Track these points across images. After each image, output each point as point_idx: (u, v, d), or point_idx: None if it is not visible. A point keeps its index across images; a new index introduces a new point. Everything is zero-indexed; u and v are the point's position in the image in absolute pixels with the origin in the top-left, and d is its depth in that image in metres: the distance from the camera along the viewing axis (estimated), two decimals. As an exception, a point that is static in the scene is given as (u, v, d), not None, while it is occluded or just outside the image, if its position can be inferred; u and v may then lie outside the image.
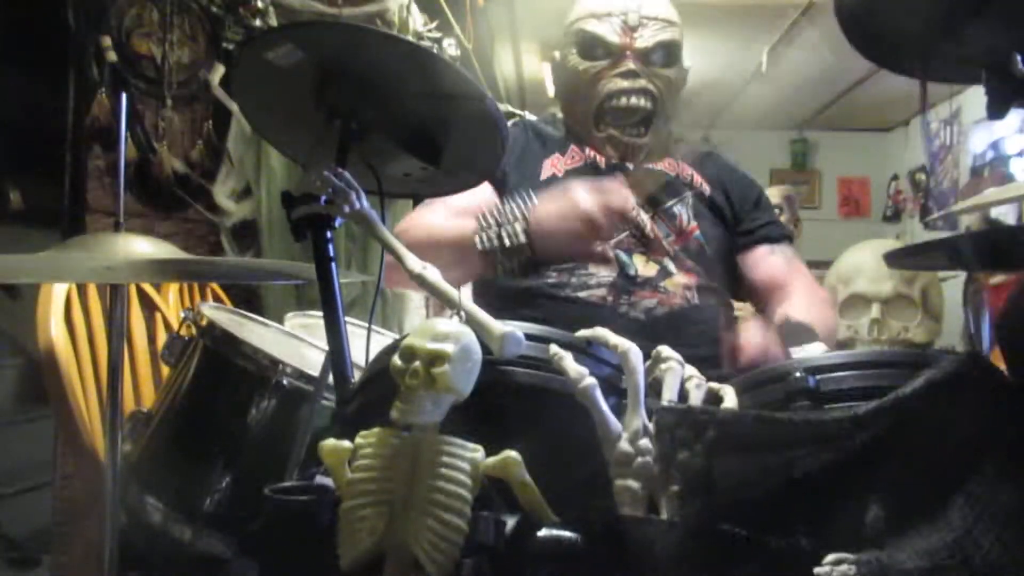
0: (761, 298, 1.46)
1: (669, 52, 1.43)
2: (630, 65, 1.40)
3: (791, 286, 1.42)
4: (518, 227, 1.21)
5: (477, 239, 1.22)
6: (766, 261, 1.46)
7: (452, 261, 1.17)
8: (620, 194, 1.20)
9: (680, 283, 1.34)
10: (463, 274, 1.28)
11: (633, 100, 1.41)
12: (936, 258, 1.31)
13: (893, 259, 1.41)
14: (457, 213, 1.33)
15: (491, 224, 1.23)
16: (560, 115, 1.58)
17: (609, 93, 1.41)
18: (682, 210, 1.41)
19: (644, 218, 1.37)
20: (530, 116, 2.99)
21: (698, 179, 1.47)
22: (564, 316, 1.21)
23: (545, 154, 1.46)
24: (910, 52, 0.83)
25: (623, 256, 1.34)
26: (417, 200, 2.17)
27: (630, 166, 1.43)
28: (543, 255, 1.24)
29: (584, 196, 1.19)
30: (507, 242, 1.21)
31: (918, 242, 1.43)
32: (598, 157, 1.44)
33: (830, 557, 0.60)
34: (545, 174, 1.43)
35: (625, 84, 1.40)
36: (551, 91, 5.05)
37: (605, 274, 1.32)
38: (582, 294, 1.31)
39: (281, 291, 2.09)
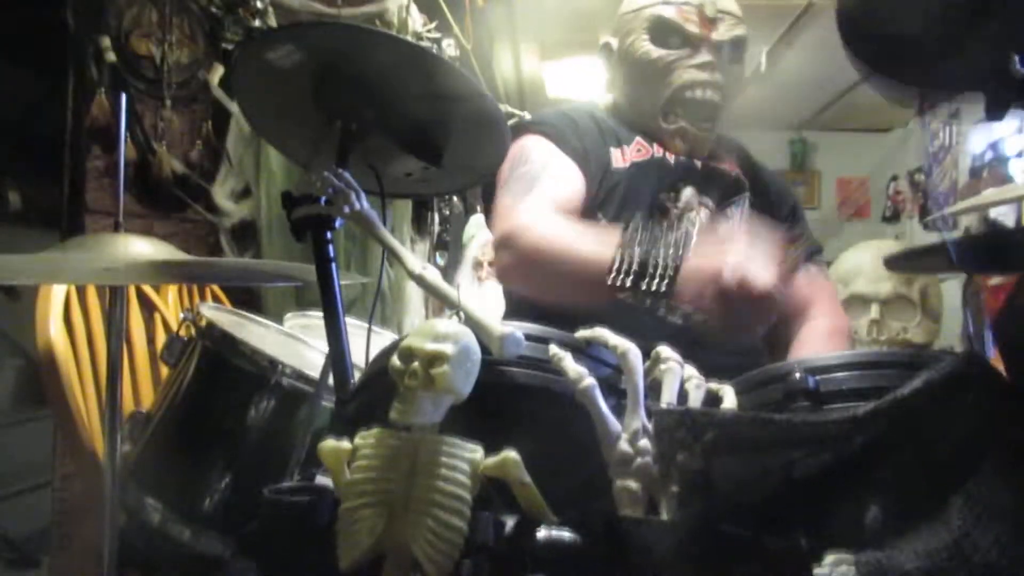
0: (782, 315, 1.41)
1: (740, 48, 1.39)
2: (707, 56, 1.35)
3: (812, 311, 1.39)
4: (663, 282, 1.03)
5: (612, 277, 1.05)
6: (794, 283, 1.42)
7: (572, 280, 1.11)
8: (770, 281, 1.03)
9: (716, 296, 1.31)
10: (577, 295, 1.10)
11: (709, 93, 1.36)
12: (935, 260, 1.31)
13: (892, 261, 1.42)
14: (564, 209, 1.26)
15: (632, 267, 1.05)
16: (605, 106, 1.51)
17: (684, 84, 1.36)
18: (738, 212, 1.38)
19: (703, 218, 1.34)
20: (528, 116, 3.00)
21: (745, 180, 1.42)
22: (602, 316, 1.07)
23: (610, 142, 1.41)
24: (910, 59, 0.83)
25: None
26: (417, 200, 2.16)
27: (698, 162, 1.39)
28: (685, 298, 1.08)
29: (743, 273, 1.02)
30: (647, 289, 1.05)
31: (917, 243, 1.43)
32: (666, 152, 1.39)
33: (829, 557, 0.60)
34: (615, 163, 1.39)
35: (703, 76, 1.35)
36: (551, 92, 5.05)
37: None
38: (621, 295, 1.28)
39: (281, 291, 2.08)
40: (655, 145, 1.40)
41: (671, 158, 1.39)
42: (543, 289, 1.20)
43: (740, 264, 1.03)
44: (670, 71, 1.36)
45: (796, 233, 1.43)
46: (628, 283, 1.04)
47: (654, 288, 1.03)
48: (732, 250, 1.05)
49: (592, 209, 1.35)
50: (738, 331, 1.15)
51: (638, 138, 1.41)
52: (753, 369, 0.95)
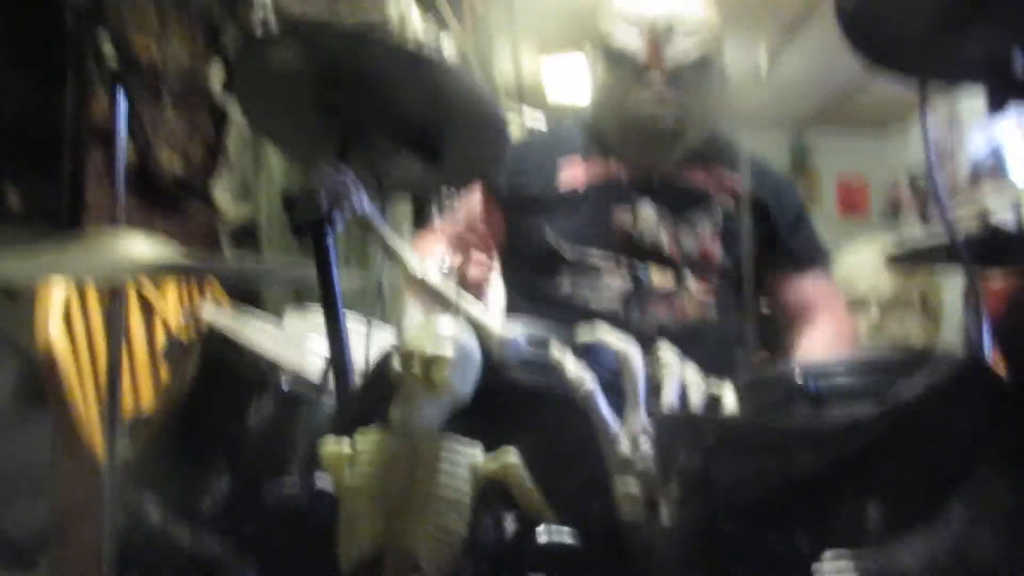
0: (787, 322, 1.43)
1: (702, 67, 1.32)
2: (658, 86, 1.30)
3: (816, 319, 1.39)
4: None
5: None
6: (796, 289, 1.42)
7: None
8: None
9: (697, 299, 1.32)
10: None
11: (659, 122, 1.31)
12: (935, 259, 1.31)
13: (892, 260, 1.42)
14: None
15: None
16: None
17: (632, 114, 1.32)
18: (706, 226, 1.36)
19: (663, 235, 1.34)
20: (528, 114, 2.99)
21: (731, 191, 1.39)
22: (575, 326, 1.16)
23: (562, 158, 1.40)
24: (910, 54, 0.83)
25: (638, 269, 1.32)
26: (415, 201, 2.17)
27: (655, 180, 1.37)
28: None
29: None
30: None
31: (917, 243, 1.42)
32: (622, 172, 1.38)
33: (829, 558, 0.60)
34: (565, 184, 1.38)
35: (652, 107, 1.31)
36: (551, 92, 5.06)
37: (619, 285, 1.31)
38: (594, 305, 1.30)
39: (280, 289, 2.08)
40: (611, 164, 1.39)
41: (626, 177, 1.38)
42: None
43: None
44: (620, 99, 1.33)
45: (795, 240, 1.42)
46: None
47: None
48: None
49: (539, 227, 1.35)
50: None
51: (596, 156, 1.40)
52: (731, 369, 0.98)
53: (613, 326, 1.27)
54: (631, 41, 1.31)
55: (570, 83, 4.44)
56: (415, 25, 2.30)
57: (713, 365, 1.16)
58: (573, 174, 1.39)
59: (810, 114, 5.47)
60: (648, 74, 1.31)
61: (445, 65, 0.95)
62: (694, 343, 1.26)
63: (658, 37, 1.29)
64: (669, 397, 0.76)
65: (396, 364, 0.67)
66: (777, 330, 1.47)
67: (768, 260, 1.41)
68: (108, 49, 2.07)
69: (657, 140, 1.34)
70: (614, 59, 1.34)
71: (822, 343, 1.36)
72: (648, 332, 1.27)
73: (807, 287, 1.42)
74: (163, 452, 1.16)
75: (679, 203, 1.36)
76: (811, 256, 1.44)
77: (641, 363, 0.74)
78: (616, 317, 1.28)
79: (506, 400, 0.73)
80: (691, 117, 1.33)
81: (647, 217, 1.34)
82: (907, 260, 1.51)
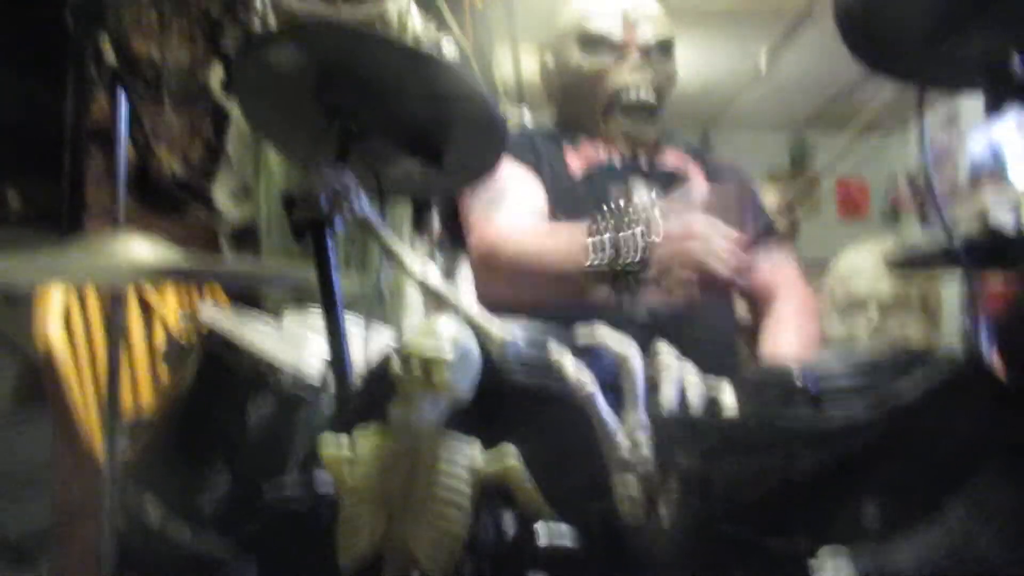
0: (751, 300, 1.48)
1: (667, 48, 1.46)
2: (636, 59, 1.42)
3: (776, 294, 1.44)
4: (639, 233, 1.05)
5: (590, 246, 1.07)
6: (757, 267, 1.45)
7: (555, 278, 1.18)
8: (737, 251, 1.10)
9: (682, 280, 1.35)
10: (561, 290, 1.18)
11: (643, 94, 1.42)
12: (934, 260, 1.32)
13: (892, 261, 1.43)
14: (533, 214, 1.34)
15: (606, 248, 1.07)
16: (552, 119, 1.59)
17: (619, 88, 1.42)
18: (684, 201, 1.40)
19: (656, 216, 1.37)
20: (527, 113, 2.99)
21: (697, 174, 1.48)
22: (567, 317, 1.16)
23: (564, 151, 1.46)
24: (908, 58, 0.83)
25: None
26: (415, 202, 2.16)
27: (642, 161, 1.44)
28: (653, 279, 1.09)
29: (716, 232, 1.09)
30: (625, 251, 1.06)
31: (916, 246, 1.43)
32: (612, 153, 1.45)
33: (827, 558, 0.61)
34: (570, 169, 1.44)
35: (635, 77, 1.42)
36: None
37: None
38: (598, 281, 1.31)
39: (280, 290, 2.08)
40: (600, 150, 1.46)
41: (618, 159, 1.45)
42: (529, 294, 1.25)
43: (704, 234, 1.09)
44: (602, 78, 1.43)
45: (756, 216, 1.49)
46: (605, 262, 1.07)
47: (629, 261, 1.05)
48: (695, 220, 1.11)
49: (549, 215, 1.39)
50: (705, 296, 1.17)
51: (585, 145, 1.47)
52: (727, 363, 0.97)
53: (605, 314, 1.27)
54: (607, 25, 1.44)
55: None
56: (414, 23, 2.30)
57: (708, 343, 1.16)
58: (574, 162, 1.46)
59: (809, 116, 5.47)
60: (625, 53, 1.43)
61: (444, 62, 0.96)
62: (687, 323, 1.28)
63: (631, 20, 1.44)
64: (668, 397, 0.76)
65: (396, 365, 0.67)
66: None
67: None
68: (108, 50, 2.08)
69: (640, 113, 1.43)
70: (592, 44, 1.45)
71: (787, 321, 1.40)
72: (641, 317, 1.28)
73: (764, 264, 1.44)
74: (163, 452, 1.17)
75: (663, 182, 1.43)
76: (765, 228, 1.48)
77: (640, 363, 0.74)
78: (607, 304, 1.29)
79: (506, 401, 0.73)
80: (663, 93, 1.45)
81: (641, 195, 1.41)
82: (906, 264, 1.52)
